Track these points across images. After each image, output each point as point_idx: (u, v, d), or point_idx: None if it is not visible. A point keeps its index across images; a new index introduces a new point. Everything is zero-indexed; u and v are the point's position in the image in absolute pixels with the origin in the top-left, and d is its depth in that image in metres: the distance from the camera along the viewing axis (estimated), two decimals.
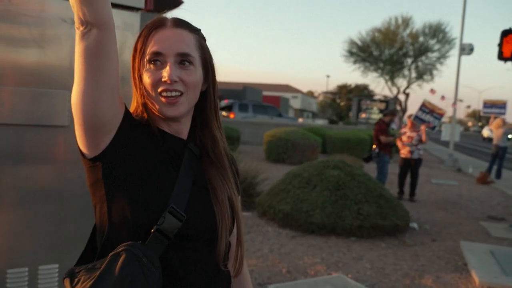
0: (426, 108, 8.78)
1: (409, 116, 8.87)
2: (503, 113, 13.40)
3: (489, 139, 16.07)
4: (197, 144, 1.11)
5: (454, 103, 15.63)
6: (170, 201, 0.97)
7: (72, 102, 0.94)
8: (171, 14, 1.08)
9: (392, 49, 34.47)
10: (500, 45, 6.36)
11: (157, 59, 1.00)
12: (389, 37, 34.39)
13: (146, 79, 1.01)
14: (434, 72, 35.12)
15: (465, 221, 6.90)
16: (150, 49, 1.00)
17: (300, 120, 34.09)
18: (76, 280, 0.94)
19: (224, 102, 23.26)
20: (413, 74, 35.34)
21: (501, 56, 6.36)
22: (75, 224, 2.29)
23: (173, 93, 1.01)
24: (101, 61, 0.90)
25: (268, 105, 24.83)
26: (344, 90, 61.68)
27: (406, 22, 34.36)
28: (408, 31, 34.43)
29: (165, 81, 0.99)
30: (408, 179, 8.59)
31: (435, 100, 12.69)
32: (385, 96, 40.88)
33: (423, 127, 8.38)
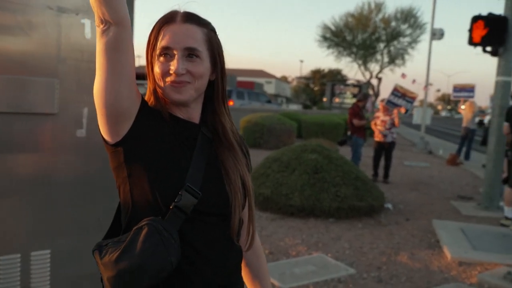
0: (398, 92, 8.99)
1: (382, 101, 9.08)
2: (472, 97, 13.81)
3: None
4: (209, 129, 1.20)
5: (426, 87, 16.01)
6: (186, 180, 1.07)
7: (94, 94, 1.03)
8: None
9: (365, 34, 34.86)
10: (470, 30, 6.56)
11: (167, 52, 1.08)
12: (362, 22, 34.72)
13: (157, 69, 1.10)
14: (406, 56, 35.75)
15: (437, 201, 7.18)
16: (160, 43, 1.08)
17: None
18: (104, 252, 1.04)
19: None
20: (386, 59, 35.90)
21: (471, 41, 6.57)
22: (65, 210, 2.33)
23: (180, 78, 1.09)
24: (120, 54, 0.99)
25: (259, 92, 25.37)
26: (317, 75, 61.99)
27: (379, 7, 34.75)
28: (380, 16, 34.85)
29: (172, 73, 1.08)
30: (382, 162, 8.83)
31: (406, 84, 13.02)
32: (358, 81, 41.34)
33: (395, 111, 8.60)
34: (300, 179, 5.84)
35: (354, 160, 8.21)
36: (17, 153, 2.18)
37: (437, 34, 15.89)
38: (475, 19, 6.55)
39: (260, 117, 13.46)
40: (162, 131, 1.10)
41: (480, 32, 6.50)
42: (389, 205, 6.44)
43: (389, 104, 8.81)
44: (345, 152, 9.60)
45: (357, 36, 35.51)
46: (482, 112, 27.11)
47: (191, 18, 1.11)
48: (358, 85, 40.70)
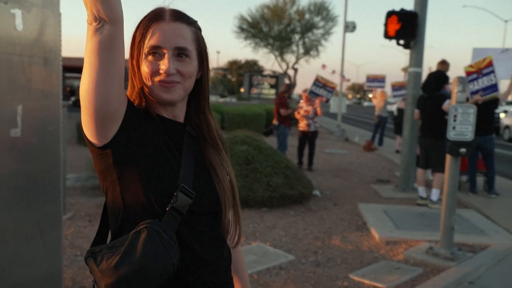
0: (319, 82, 9.37)
1: (305, 91, 9.40)
2: (383, 87, 14.77)
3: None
4: (193, 127, 1.19)
5: (344, 78, 16.81)
6: (179, 180, 1.06)
7: (82, 95, 0.97)
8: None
9: (281, 26, 35.63)
10: (386, 25, 7.00)
11: (156, 51, 1.06)
12: (278, 14, 35.43)
13: (145, 68, 1.07)
14: (320, 48, 37.11)
15: (358, 185, 7.63)
16: (149, 42, 1.06)
17: None
18: (99, 258, 1.00)
19: None
20: (301, 50, 37.02)
21: (387, 35, 7.01)
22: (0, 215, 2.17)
23: (169, 78, 1.08)
24: (113, 53, 0.94)
25: None
26: (234, 66, 62.23)
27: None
28: (295, 8, 35.79)
29: (161, 73, 1.06)
30: (306, 150, 9.16)
31: (325, 75, 13.59)
32: (274, 72, 42.18)
33: (317, 101, 8.95)
34: (233, 171, 5.87)
35: (281, 149, 8.43)
36: None
37: (350, 27, 16.71)
38: (390, 14, 6.99)
39: None
40: (149, 131, 1.07)
41: (394, 26, 6.96)
42: (317, 192, 6.72)
43: (312, 94, 9.14)
44: (270, 142, 9.81)
45: (273, 28, 36.19)
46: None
47: (180, 17, 1.09)
48: (275, 75, 41.54)
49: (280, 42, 36.17)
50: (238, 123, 15.31)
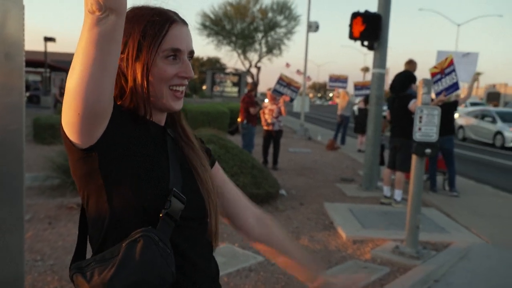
0: (283, 81, 9.37)
1: (269, 90, 9.39)
2: (345, 87, 15.01)
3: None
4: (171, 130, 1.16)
5: (308, 77, 16.97)
6: (170, 184, 1.01)
7: (71, 90, 0.87)
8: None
9: (244, 24, 35.61)
10: (351, 26, 7.09)
11: (176, 54, 1.04)
12: (241, 12, 35.37)
13: (167, 70, 1.03)
14: (282, 47, 37.34)
15: (323, 184, 7.70)
16: (170, 44, 1.03)
17: None
18: (89, 273, 0.93)
19: None
20: (264, 49, 37.15)
21: (352, 36, 7.11)
22: None
23: (182, 88, 1.07)
24: (113, 46, 0.87)
25: None
26: (196, 63, 61.71)
27: None
28: (258, 6, 35.85)
29: (183, 77, 1.05)
30: (270, 149, 9.17)
31: (289, 74, 13.70)
32: (237, 70, 42.10)
33: (281, 100, 8.97)
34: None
35: (248, 148, 8.40)
36: None
37: (313, 27, 16.88)
38: (354, 15, 7.09)
39: None
40: (134, 133, 1.02)
41: (359, 28, 7.06)
42: (283, 191, 6.73)
43: (276, 93, 9.14)
44: (235, 140, 9.76)
45: (236, 26, 36.11)
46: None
47: (185, 20, 1.07)
48: (238, 74, 41.43)
49: (243, 40, 36.13)
50: (201, 122, 15.13)
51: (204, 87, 49.63)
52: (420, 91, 4.22)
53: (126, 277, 0.90)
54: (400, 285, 3.63)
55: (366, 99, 11.55)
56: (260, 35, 36.66)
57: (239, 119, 9.23)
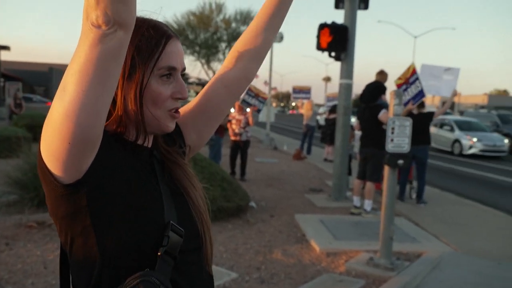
0: (251, 92, 9.33)
1: (237, 100, 9.32)
2: (309, 98, 15.17)
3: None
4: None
5: (275, 88, 17.04)
6: (165, 217, 0.90)
7: (61, 114, 0.74)
8: None
9: (207, 33, 35.47)
10: (318, 37, 7.12)
11: (171, 73, 0.95)
12: (204, 21, 35.23)
13: (155, 92, 0.92)
14: None
15: (292, 195, 7.65)
16: (166, 62, 0.94)
17: None
18: None
19: None
20: None
21: (319, 47, 7.13)
22: None
23: (176, 110, 0.98)
24: (116, 65, 0.76)
25: None
26: None
27: (220, 7, 35.66)
28: (221, 16, 35.81)
29: (177, 98, 0.96)
30: (238, 160, 9.06)
31: (257, 85, 13.82)
32: (200, 79, 41.86)
33: (249, 111, 8.91)
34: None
35: (216, 160, 8.26)
36: None
37: (278, 37, 16.98)
38: (322, 26, 7.13)
39: None
40: (124, 161, 0.89)
41: (326, 39, 7.10)
42: (253, 204, 6.63)
43: (244, 104, 9.08)
44: (202, 152, 9.59)
45: (199, 35, 35.92)
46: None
47: (177, 35, 0.98)
48: (201, 83, 41.10)
49: (206, 50, 35.94)
50: None
51: None
52: (392, 102, 4.24)
53: None
54: None
55: (333, 109, 11.67)
56: (224, 45, 36.59)
57: None
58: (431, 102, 35.61)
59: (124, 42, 0.75)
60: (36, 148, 0.88)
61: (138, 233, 0.86)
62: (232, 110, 9.49)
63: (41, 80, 38.29)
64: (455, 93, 6.90)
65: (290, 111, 76.85)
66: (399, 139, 4.18)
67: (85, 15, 0.71)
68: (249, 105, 9.08)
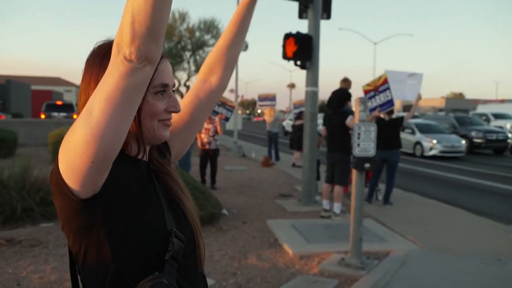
0: (219, 101, 9.43)
1: None
2: (274, 104, 15.38)
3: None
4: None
5: (242, 96, 17.12)
6: (167, 224, 1.00)
7: (87, 136, 0.83)
8: None
9: (171, 43, 35.32)
10: (284, 46, 7.32)
11: (164, 90, 1.04)
12: (168, 31, 35.03)
13: (159, 106, 1.02)
14: None
15: (263, 201, 7.78)
16: (159, 80, 1.02)
17: None
18: None
19: None
20: (192, 67, 37.02)
21: (285, 56, 7.33)
22: None
23: (169, 122, 1.08)
24: (141, 94, 0.86)
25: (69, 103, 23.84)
26: None
27: (183, 17, 35.62)
28: (185, 25, 35.77)
29: (171, 111, 1.06)
30: (208, 169, 9.12)
31: (224, 93, 13.84)
32: None
33: (217, 119, 9.00)
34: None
35: (185, 168, 8.29)
36: None
37: (243, 46, 17.15)
38: (287, 36, 7.33)
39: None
40: (130, 174, 0.99)
41: (291, 48, 7.30)
42: (225, 211, 6.71)
43: (212, 113, 9.16)
44: None
45: (163, 45, 35.72)
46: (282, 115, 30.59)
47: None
48: None
49: (171, 59, 35.76)
50: None
51: None
52: (357, 108, 4.44)
53: None
54: None
55: (299, 116, 11.92)
56: (188, 54, 36.56)
57: None
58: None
59: (150, 75, 0.85)
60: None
61: (145, 241, 0.95)
62: None
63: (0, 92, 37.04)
64: (419, 97, 7.23)
65: (255, 118, 77.27)
66: (365, 143, 4.39)
67: (116, 49, 0.80)
68: (216, 113, 9.17)
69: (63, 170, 0.87)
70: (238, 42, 1.28)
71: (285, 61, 7.55)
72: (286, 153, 15.27)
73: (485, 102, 36.39)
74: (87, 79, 0.98)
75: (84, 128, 0.83)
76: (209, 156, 9.02)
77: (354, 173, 4.48)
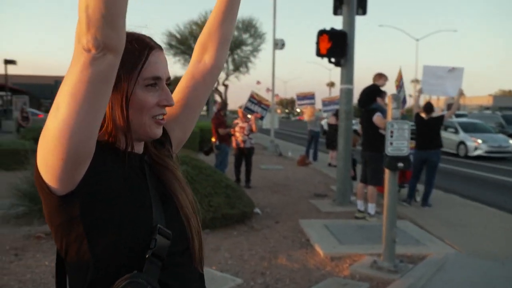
0: (254, 99, 9.43)
1: (241, 107, 9.41)
2: (313, 103, 15.19)
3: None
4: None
5: (277, 95, 17.09)
6: (154, 221, 0.95)
7: (55, 132, 0.81)
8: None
9: None
10: (317, 43, 7.20)
11: (156, 82, 0.99)
12: None
13: (149, 99, 0.99)
14: (249, 64, 37.63)
15: (297, 200, 7.70)
16: (151, 72, 0.98)
17: None
18: None
19: None
20: (231, 67, 37.29)
21: (319, 53, 7.21)
22: None
23: (163, 115, 1.04)
24: (107, 86, 0.82)
25: None
26: None
27: None
28: None
29: (164, 105, 1.01)
30: (243, 167, 9.13)
31: (260, 91, 13.72)
32: None
33: (252, 117, 8.99)
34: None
35: (221, 168, 8.34)
36: None
37: (279, 44, 17.11)
38: (321, 33, 7.20)
39: None
40: (115, 169, 0.95)
41: (325, 45, 7.17)
42: (258, 210, 6.68)
43: (247, 111, 9.17)
44: (207, 161, 9.67)
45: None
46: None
47: (161, 45, 1.04)
48: None
49: None
50: None
51: None
52: (390, 106, 4.29)
53: None
54: None
55: (337, 114, 11.72)
56: None
57: (213, 139, 9.18)
58: (436, 104, 35.55)
59: (114, 65, 0.81)
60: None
61: (128, 237, 0.91)
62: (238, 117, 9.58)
63: (48, 93, 38.65)
64: (461, 93, 6.93)
65: (299, 118, 76.76)
66: (398, 142, 4.23)
67: (76, 39, 0.77)
68: (252, 112, 9.17)
69: (39, 166, 0.86)
70: (230, 16, 1.22)
71: (325, 60, 7.43)
72: (325, 153, 15.06)
73: None
74: None
75: (52, 123, 0.81)
76: (244, 154, 9.02)
77: (387, 172, 4.33)
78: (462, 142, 16.26)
